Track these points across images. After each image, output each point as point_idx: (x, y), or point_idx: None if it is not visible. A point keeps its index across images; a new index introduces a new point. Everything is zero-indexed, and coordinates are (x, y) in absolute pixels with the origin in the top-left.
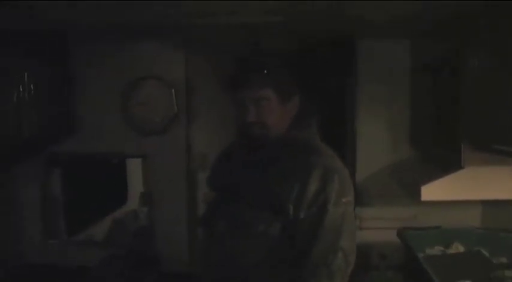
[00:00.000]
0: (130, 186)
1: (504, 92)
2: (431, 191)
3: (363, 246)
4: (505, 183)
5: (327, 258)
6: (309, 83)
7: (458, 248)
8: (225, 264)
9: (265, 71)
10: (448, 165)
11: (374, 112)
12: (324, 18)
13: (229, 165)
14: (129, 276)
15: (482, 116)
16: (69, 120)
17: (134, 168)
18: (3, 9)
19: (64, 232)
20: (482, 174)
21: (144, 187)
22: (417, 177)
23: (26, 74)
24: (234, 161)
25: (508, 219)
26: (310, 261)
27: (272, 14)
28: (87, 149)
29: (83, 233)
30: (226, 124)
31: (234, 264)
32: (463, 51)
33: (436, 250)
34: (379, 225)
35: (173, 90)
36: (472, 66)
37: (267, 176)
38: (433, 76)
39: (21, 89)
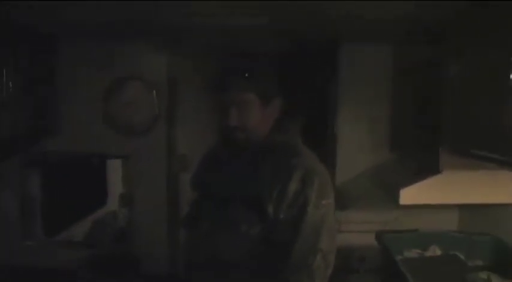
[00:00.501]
0: (111, 187)
1: (482, 98)
2: (410, 195)
3: (342, 249)
4: (481, 188)
5: (306, 259)
6: (291, 86)
7: (435, 251)
8: (208, 264)
9: (247, 75)
10: (426, 169)
11: (355, 116)
12: (309, 20)
13: (212, 167)
14: (109, 278)
15: (461, 121)
16: (49, 120)
17: (114, 169)
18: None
19: (43, 233)
20: (459, 178)
21: (124, 188)
22: (396, 180)
23: (4, 72)
24: (216, 162)
25: (483, 222)
26: (290, 261)
27: (258, 16)
28: (67, 150)
29: (62, 234)
30: (208, 126)
31: (217, 264)
32: (444, 57)
33: (414, 253)
34: (358, 229)
35: (155, 92)
36: (453, 73)
37: (249, 177)
38: (413, 81)
39: None
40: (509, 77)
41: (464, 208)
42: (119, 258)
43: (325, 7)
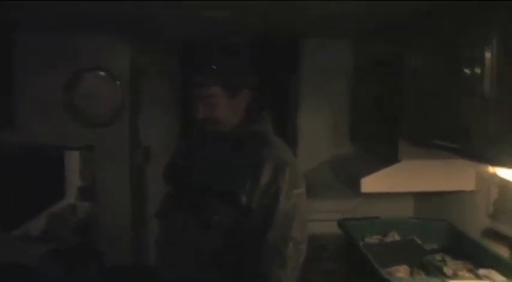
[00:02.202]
0: (69, 180)
1: (438, 91)
2: (370, 183)
3: None
4: (436, 176)
5: (279, 248)
6: (257, 77)
7: (394, 236)
8: (181, 255)
9: (214, 67)
10: (386, 159)
11: (316, 108)
12: (271, 15)
13: (186, 158)
14: (72, 271)
15: (419, 113)
16: (7, 111)
17: (73, 161)
18: None
19: None
20: (417, 167)
21: (83, 181)
22: (357, 170)
23: None
24: (190, 153)
25: (437, 209)
26: (263, 251)
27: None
28: (26, 142)
29: (19, 228)
30: (171, 117)
31: (190, 255)
32: (403, 52)
33: (374, 239)
34: (320, 218)
35: (118, 83)
36: (411, 66)
37: (222, 168)
38: (373, 75)
39: None
40: (463, 71)
41: (419, 195)
42: (81, 252)
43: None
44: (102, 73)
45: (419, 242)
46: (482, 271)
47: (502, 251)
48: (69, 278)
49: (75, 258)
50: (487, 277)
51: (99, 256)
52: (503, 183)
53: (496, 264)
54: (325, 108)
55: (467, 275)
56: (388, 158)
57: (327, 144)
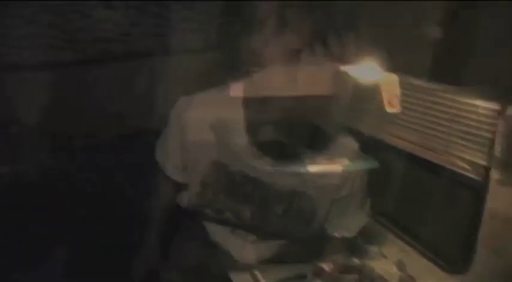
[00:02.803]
0: None
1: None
2: (239, 90)
3: None
4: (301, 82)
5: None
6: None
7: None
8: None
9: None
10: (253, 66)
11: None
12: None
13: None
14: None
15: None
16: None
17: None
18: None
19: None
20: (282, 74)
21: None
22: (225, 77)
23: None
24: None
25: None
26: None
27: None
28: None
29: None
30: None
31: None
32: None
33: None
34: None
35: None
36: None
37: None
38: None
39: None
40: None
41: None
42: None
43: None
44: None
45: (286, 142)
46: (336, 160)
47: (353, 145)
48: None
49: None
50: (339, 163)
51: None
52: (354, 82)
53: (348, 154)
54: (194, 16)
55: (324, 162)
56: (257, 63)
57: (195, 54)
